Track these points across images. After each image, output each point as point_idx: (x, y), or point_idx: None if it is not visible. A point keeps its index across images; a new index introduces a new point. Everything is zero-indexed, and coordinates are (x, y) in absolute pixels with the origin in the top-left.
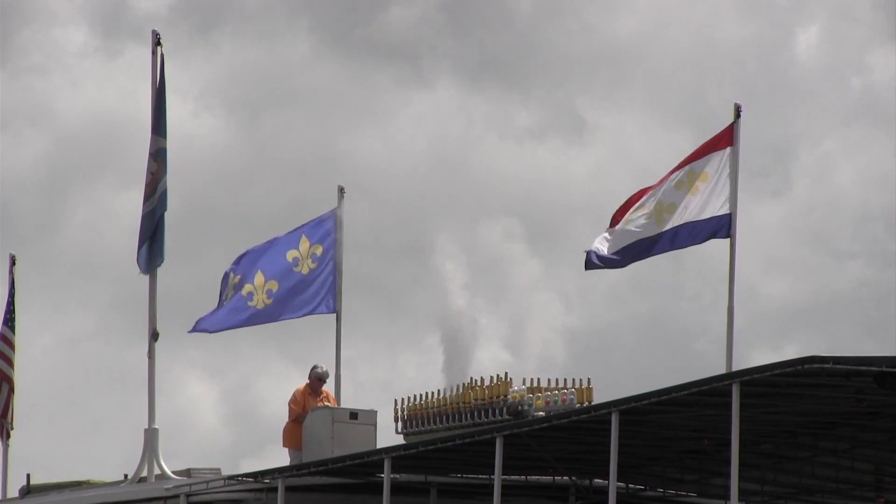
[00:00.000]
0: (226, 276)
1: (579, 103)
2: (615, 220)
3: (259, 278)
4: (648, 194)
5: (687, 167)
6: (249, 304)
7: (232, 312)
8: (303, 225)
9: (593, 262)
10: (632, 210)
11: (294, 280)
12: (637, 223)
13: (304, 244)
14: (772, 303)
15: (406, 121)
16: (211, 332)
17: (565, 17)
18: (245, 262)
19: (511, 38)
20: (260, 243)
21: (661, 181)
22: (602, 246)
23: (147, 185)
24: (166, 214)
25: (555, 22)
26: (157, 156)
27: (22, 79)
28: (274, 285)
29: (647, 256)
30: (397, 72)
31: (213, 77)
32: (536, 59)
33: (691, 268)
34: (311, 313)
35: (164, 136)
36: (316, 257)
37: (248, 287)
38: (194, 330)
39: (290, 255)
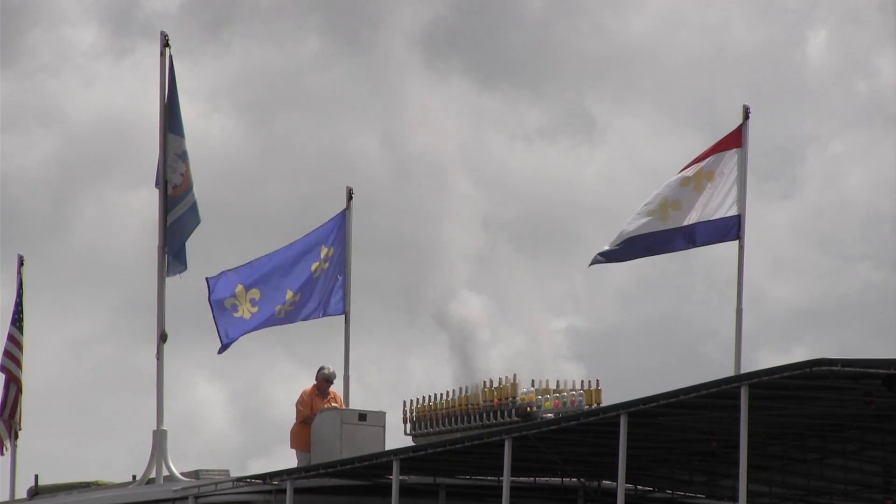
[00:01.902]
0: (224, 283)
1: (590, 104)
2: None
3: (289, 295)
4: (656, 192)
5: (695, 166)
6: (277, 316)
7: (254, 322)
8: (316, 230)
9: (597, 258)
10: (642, 207)
11: (311, 285)
12: (641, 219)
13: (324, 252)
14: (780, 305)
15: (415, 121)
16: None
17: (577, 18)
18: (265, 277)
19: (522, 38)
20: (274, 252)
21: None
22: (614, 243)
23: (176, 188)
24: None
25: (566, 22)
26: (184, 158)
27: (31, 79)
28: (298, 297)
29: (654, 254)
30: (407, 71)
31: (223, 77)
32: (547, 59)
33: (699, 271)
34: (322, 315)
35: (184, 136)
36: (328, 258)
37: (279, 307)
38: (224, 348)
39: (314, 266)
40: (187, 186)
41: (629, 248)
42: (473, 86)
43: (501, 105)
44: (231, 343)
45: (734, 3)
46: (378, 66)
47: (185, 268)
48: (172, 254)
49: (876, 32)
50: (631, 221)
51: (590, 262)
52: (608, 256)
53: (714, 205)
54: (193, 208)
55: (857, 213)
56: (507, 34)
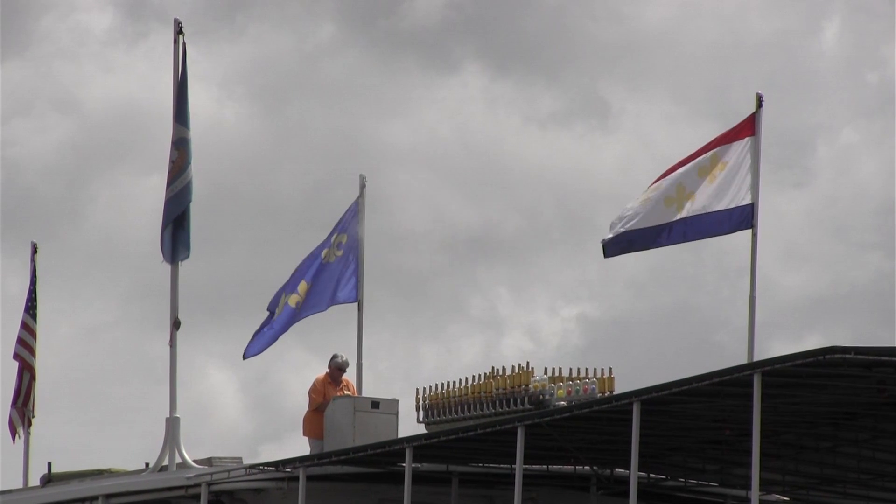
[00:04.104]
0: (276, 299)
1: (604, 90)
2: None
3: (302, 286)
4: (669, 176)
5: (710, 153)
6: (295, 309)
7: (278, 325)
8: (336, 226)
9: (611, 249)
10: (651, 188)
11: (323, 272)
12: (657, 208)
13: (335, 238)
14: (792, 294)
15: (430, 107)
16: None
17: (592, 4)
18: (294, 279)
19: (537, 24)
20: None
21: (683, 163)
22: (618, 225)
23: (168, 173)
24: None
25: (581, 8)
26: (179, 145)
27: (46, 64)
28: (310, 286)
29: (664, 245)
30: (422, 57)
31: (237, 63)
32: (562, 45)
33: (710, 260)
34: (336, 303)
35: (187, 125)
36: (341, 245)
37: (294, 297)
38: (248, 356)
39: (325, 254)
40: (177, 172)
41: (644, 239)
42: (488, 71)
43: (515, 90)
44: (255, 353)
45: None
46: (394, 52)
47: (188, 255)
48: (162, 232)
49: (887, 23)
50: (646, 209)
51: (604, 250)
52: (622, 246)
53: (727, 194)
54: (187, 188)
55: (870, 202)
56: (523, 19)
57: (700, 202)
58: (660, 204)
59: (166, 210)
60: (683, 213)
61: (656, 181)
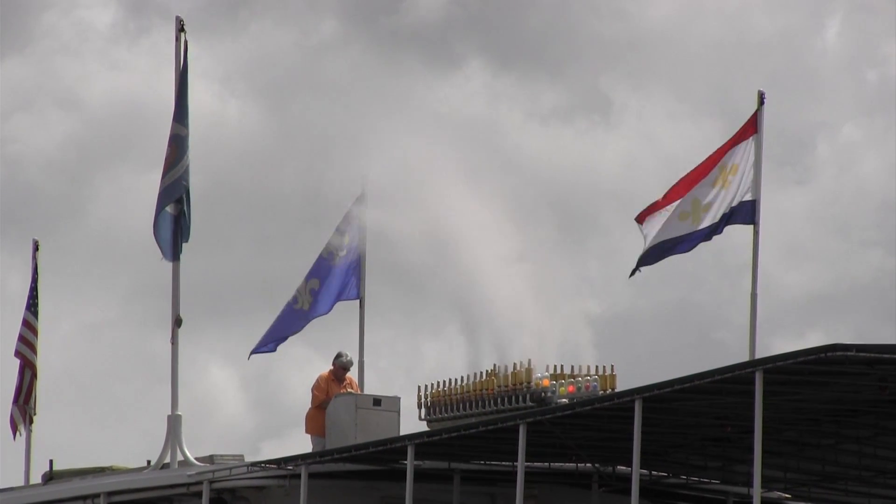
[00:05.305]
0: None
1: (607, 87)
2: (644, 216)
3: (303, 282)
4: (686, 196)
5: (719, 163)
6: (295, 307)
7: (282, 323)
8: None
9: (638, 267)
10: (668, 208)
11: (330, 272)
12: (674, 224)
13: (342, 238)
14: (794, 291)
15: (432, 104)
16: (272, 350)
17: (596, 0)
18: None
19: (540, 20)
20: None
21: (695, 178)
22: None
23: (163, 168)
24: (189, 201)
25: (585, 4)
26: (173, 141)
27: (48, 60)
28: (315, 283)
29: (682, 252)
30: (424, 54)
31: (239, 59)
32: (565, 41)
33: (710, 258)
34: (339, 300)
35: (185, 124)
36: (345, 246)
37: (298, 296)
38: (254, 352)
39: (328, 254)
40: (167, 168)
41: (662, 251)
42: (490, 67)
43: (517, 86)
44: (261, 349)
45: None
46: (397, 48)
47: (183, 244)
48: (154, 223)
49: (888, 21)
50: (664, 226)
51: (632, 272)
52: (643, 261)
53: (736, 193)
54: (176, 184)
55: (871, 199)
56: (526, 15)
57: (715, 210)
58: (674, 218)
59: (157, 205)
60: (702, 224)
61: (672, 197)
